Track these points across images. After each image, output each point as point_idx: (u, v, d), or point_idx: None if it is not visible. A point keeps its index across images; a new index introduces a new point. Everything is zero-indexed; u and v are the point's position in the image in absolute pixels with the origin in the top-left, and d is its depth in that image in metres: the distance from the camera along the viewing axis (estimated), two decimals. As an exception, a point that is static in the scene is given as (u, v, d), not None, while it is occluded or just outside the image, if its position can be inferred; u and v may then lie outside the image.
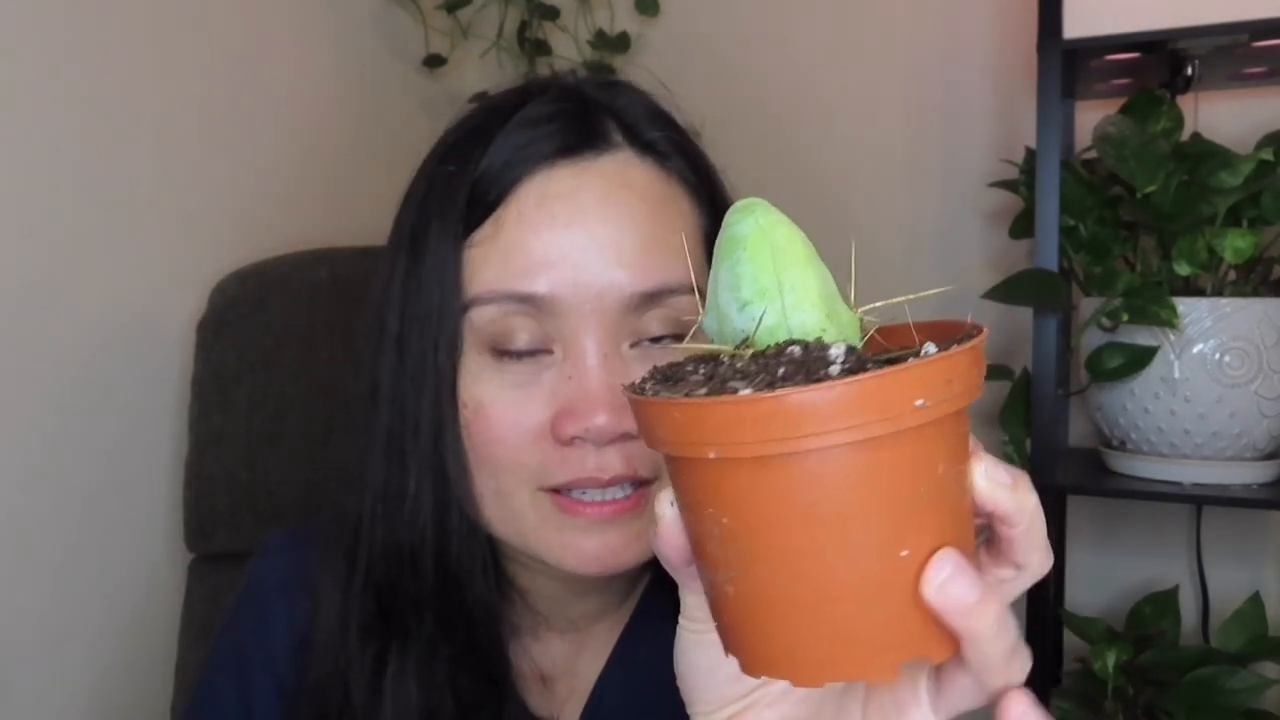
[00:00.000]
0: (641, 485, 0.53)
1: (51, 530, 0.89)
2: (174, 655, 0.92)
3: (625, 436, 0.51)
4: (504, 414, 0.52)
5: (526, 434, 0.51)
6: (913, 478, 0.31)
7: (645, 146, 0.55)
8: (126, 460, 0.95)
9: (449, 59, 1.32)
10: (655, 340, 0.53)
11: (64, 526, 0.90)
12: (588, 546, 0.52)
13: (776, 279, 0.33)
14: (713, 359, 0.34)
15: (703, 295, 0.54)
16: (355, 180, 1.22)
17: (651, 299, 0.52)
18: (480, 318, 0.52)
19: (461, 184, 0.53)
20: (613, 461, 0.51)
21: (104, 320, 0.93)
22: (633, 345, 0.53)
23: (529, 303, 0.51)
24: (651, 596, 0.63)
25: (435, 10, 1.29)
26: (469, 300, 0.52)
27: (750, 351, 0.33)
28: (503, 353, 0.52)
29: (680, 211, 0.55)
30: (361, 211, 1.21)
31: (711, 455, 0.30)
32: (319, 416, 0.91)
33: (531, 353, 0.52)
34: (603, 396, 0.50)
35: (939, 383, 0.30)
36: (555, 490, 0.52)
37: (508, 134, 0.54)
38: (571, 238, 0.51)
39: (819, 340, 0.33)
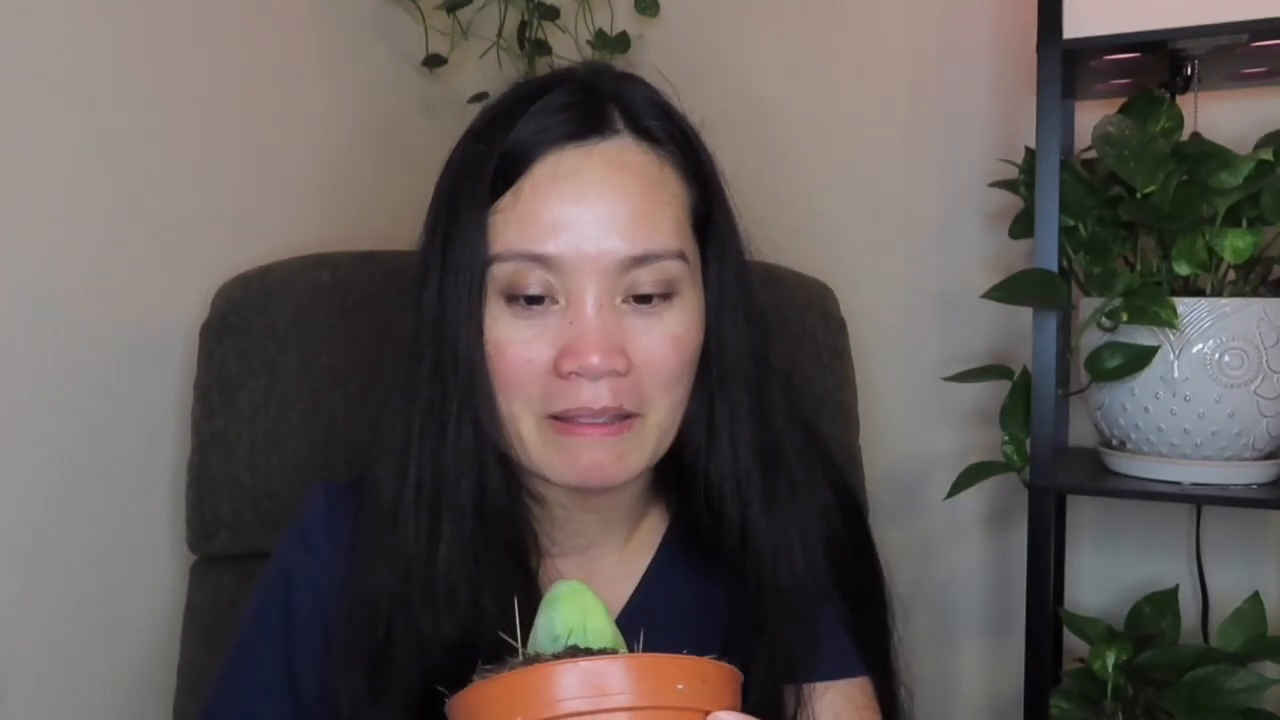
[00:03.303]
0: (626, 417, 0.63)
1: (54, 531, 0.90)
2: (176, 656, 0.92)
3: (614, 373, 0.61)
4: (518, 351, 0.62)
5: (535, 368, 0.62)
6: None
7: (643, 133, 0.64)
8: (129, 462, 0.96)
9: (449, 59, 1.32)
10: (643, 299, 0.62)
11: (66, 527, 0.91)
12: (580, 461, 0.62)
13: (583, 622, 0.46)
14: (530, 656, 0.45)
15: (686, 260, 0.63)
16: (356, 181, 1.22)
17: (640, 262, 0.61)
18: (500, 272, 0.62)
19: (488, 160, 0.63)
20: (603, 394, 0.61)
21: (107, 323, 0.93)
22: (624, 300, 0.62)
23: (540, 261, 0.61)
24: (671, 539, 0.73)
25: (435, 10, 1.29)
26: (491, 257, 0.62)
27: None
28: (517, 301, 0.62)
29: (670, 189, 0.64)
30: (363, 213, 1.22)
31: None
32: (321, 419, 0.91)
33: (540, 302, 0.62)
34: (596, 340, 0.60)
35: (696, 678, 0.42)
36: (555, 418, 0.62)
37: (528, 119, 0.63)
38: (576, 210, 0.61)
39: (612, 649, 0.45)
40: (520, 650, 0.47)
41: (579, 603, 0.47)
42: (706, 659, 0.43)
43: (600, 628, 0.46)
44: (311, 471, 0.90)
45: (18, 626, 0.87)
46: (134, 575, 0.96)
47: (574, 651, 0.44)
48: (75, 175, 0.90)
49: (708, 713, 0.42)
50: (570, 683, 0.41)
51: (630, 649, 0.47)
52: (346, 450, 0.91)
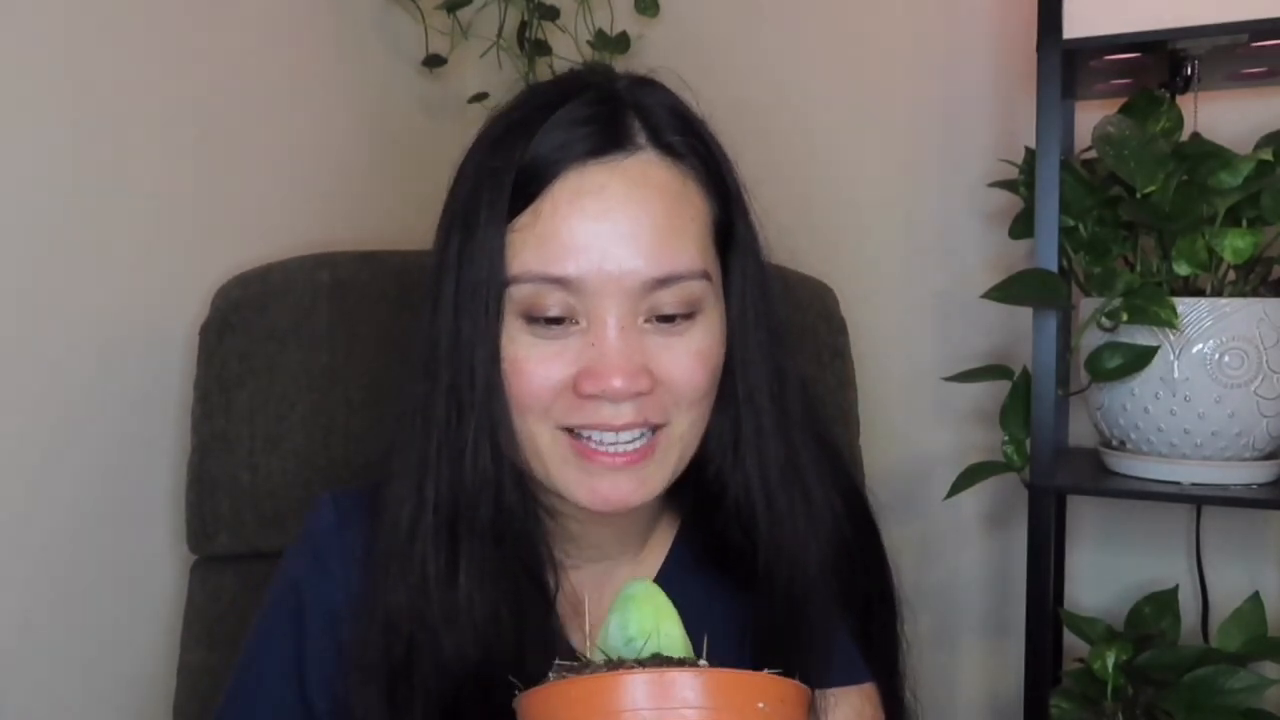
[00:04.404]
0: (653, 431, 0.61)
1: (55, 532, 0.90)
2: (176, 656, 0.93)
3: (637, 394, 0.59)
4: (536, 370, 0.60)
5: (554, 387, 0.60)
6: None
7: (666, 148, 0.62)
8: (129, 462, 0.96)
9: (449, 59, 1.32)
10: (666, 319, 0.61)
11: (67, 528, 0.91)
12: (600, 487, 0.61)
13: (657, 625, 0.46)
14: (614, 661, 0.46)
15: (709, 279, 0.62)
16: (356, 181, 1.22)
17: (663, 283, 0.60)
18: (519, 292, 0.60)
19: (506, 175, 0.61)
20: (626, 411, 0.60)
21: (107, 323, 0.93)
22: (646, 321, 0.60)
23: (560, 283, 0.59)
24: (681, 547, 0.72)
25: (435, 10, 1.29)
26: (510, 277, 0.60)
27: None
28: (537, 321, 0.60)
29: (693, 205, 0.63)
30: (363, 213, 1.22)
31: None
32: (321, 419, 0.91)
33: (560, 323, 0.60)
34: (619, 363, 0.59)
35: (775, 698, 0.42)
36: (573, 432, 0.61)
37: (547, 132, 0.61)
38: (598, 228, 0.59)
39: (692, 658, 0.45)
40: (580, 652, 0.47)
41: (653, 605, 0.46)
42: (787, 679, 0.43)
43: (673, 632, 0.46)
44: (311, 471, 0.90)
45: (18, 627, 0.87)
46: (134, 575, 0.96)
47: (658, 660, 0.43)
48: (75, 175, 0.90)
49: None
50: (656, 693, 0.41)
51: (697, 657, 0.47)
52: (346, 450, 0.91)
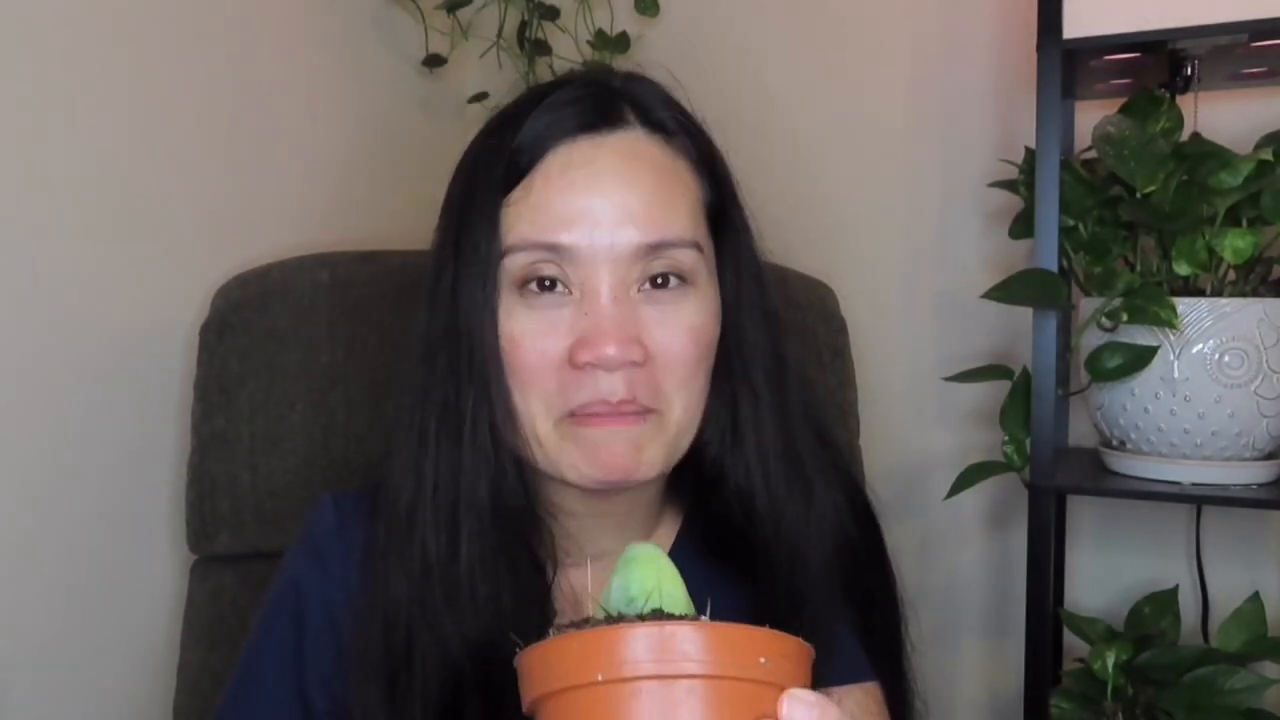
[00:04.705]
0: (644, 412, 0.62)
1: (54, 531, 0.90)
2: (176, 656, 0.93)
3: (630, 364, 0.60)
4: (533, 344, 0.61)
5: (550, 361, 0.61)
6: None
7: (655, 125, 0.64)
8: (129, 462, 0.96)
9: (449, 59, 1.32)
10: (659, 285, 0.62)
11: (67, 528, 0.91)
12: (599, 454, 0.61)
13: (659, 585, 0.46)
14: (613, 617, 0.45)
15: (700, 250, 0.64)
16: (356, 181, 1.22)
17: (654, 250, 0.61)
18: (514, 264, 0.62)
19: (501, 154, 0.63)
20: (619, 387, 0.60)
21: (107, 323, 0.93)
22: (639, 289, 0.62)
23: (553, 251, 0.61)
24: (685, 542, 0.72)
25: (435, 10, 1.29)
26: (505, 249, 0.62)
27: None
28: (531, 292, 0.62)
29: (682, 179, 0.64)
30: (362, 213, 1.22)
31: (599, 678, 0.40)
32: (321, 419, 0.91)
33: (554, 292, 0.61)
34: (612, 331, 0.59)
35: (777, 653, 0.41)
36: (572, 415, 0.61)
37: (539, 114, 0.63)
38: (589, 199, 0.61)
39: (694, 615, 0.45)
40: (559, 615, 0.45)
41: (655, 566, 0.46)
42: (789, 635, 0.43)
43: (675, 592, 0.46)
44: (311, 471, 0.90)
45: (18, 627, 0.87)
46: (134, 575, 0.96)
47: (659, 615, 0.43)
48: (75, 175, 0.90)
49: (783, 688, 0.41)
50: (656, 646, 0.40)
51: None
52: (347, 450, 0.91)
